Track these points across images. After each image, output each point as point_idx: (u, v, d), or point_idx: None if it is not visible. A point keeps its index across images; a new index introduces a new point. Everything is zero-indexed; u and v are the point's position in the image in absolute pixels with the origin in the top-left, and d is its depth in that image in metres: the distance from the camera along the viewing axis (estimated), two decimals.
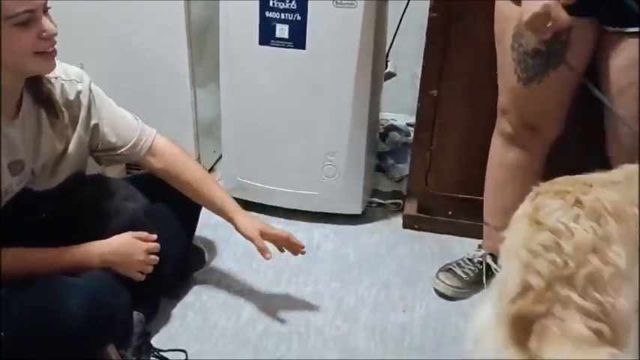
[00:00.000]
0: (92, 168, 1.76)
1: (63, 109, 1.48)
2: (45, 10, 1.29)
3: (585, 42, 1.47)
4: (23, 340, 1.31)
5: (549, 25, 1.34)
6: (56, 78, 1.46)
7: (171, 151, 1.69)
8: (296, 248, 1.74)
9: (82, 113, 1.54)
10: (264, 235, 1.68)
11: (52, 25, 1.29)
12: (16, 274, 1.37)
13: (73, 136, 1.54)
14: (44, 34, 1.28)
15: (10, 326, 1.29)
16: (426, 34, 1.91)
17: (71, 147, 1.54)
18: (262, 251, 1.67)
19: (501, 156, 1.74)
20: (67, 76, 1.51)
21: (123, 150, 1.63)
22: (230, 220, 1.70)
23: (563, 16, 1.33)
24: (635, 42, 1.40)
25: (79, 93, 1.53)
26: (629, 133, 1.47)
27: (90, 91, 1.56)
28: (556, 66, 1.45)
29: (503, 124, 1.70)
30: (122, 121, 1.63)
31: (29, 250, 1.42)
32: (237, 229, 1.69)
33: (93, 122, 1.57)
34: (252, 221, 1.72)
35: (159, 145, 1.67)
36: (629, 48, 1.42)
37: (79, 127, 1.54)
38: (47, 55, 1.32)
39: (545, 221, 0.98)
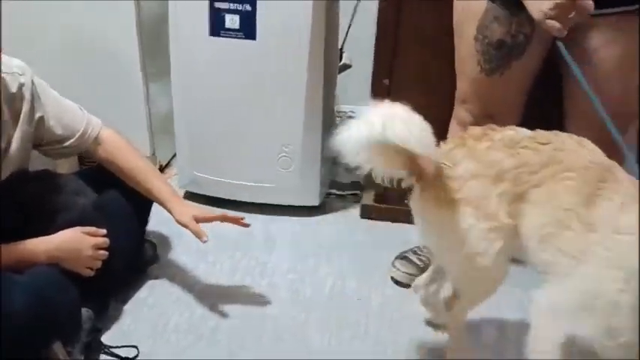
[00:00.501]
0: (45, 163, 1.74)
1: (4, 105, 1.44)
2: None
3: (547, 34, 1.48)
4: None
5: (571, 15, 1.31)
6: None
7: (116, 141, 1.68)
8: (235, 221, 1.72)
9: (25, 107, 1.51)
10: (198, 219, 1.65)
11: None
12: None
13: (16, 131, 1.50)
14: None
15: None
16: (377, 24, 1.91)
17: (14, 142, 1.50)
18: (198, 234, 1.64)
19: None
20: (8, 69, 1.47)
21: (70, 142, 1.61)
22: (167, 209, 1.68)
23: (589, 4, 1.29)
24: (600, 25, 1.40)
25: (21, 86, 1.50)
26: (589, 109, 1.49)
27: (33, 83, 1.53)
28: (518, 57, 1.48)
29: (461, 114, 1.70)
30: (68, 113, 1.61)
31: None
32: (173, 217, 1.67)
33: (37, 115, 1.54)
34: (187, 208, 1.70)
35: (104, 135, 1.66)
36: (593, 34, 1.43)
37: (22, 122, 1.51)
38: None
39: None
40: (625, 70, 1.44)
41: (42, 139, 1.58)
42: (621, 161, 1.23)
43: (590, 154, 1.25)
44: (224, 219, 1.72)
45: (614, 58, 1.43)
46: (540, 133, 1.31)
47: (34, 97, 1.53)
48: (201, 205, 2.21)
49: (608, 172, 1.20)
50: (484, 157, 1.28)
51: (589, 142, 1.28)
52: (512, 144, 1.28)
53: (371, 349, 1.62)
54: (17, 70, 1.49)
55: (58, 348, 1.41)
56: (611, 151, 1.23)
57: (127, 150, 1.69)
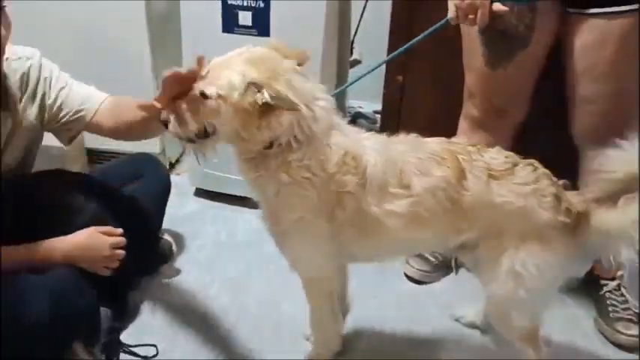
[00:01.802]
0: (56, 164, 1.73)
1: (12, 88, 1.45)
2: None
3: (549, 24, 1.49)
4: None
5: (472, 16, 1.39)
6: (6, 59, 1.43)
7: (117, 103, 1.56)
8: None
9: (32, 87, 1.51)
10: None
11: (7, 21, 1.28)
12: None
13: (26, 112, 1.51)
14: None
15: None
16: (390, 19, 1.91)
17: (23, 123, 1.50)
18: None
19: (468, 139, 1.75)
20: (17, 55, 1.49)
21: (72, 114, 1.55)
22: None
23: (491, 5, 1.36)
24: (597, 23, 1.41)
25: (29, 68, 1.50)
26: (591, 111, 1.50)
27: (40, 64, 1.53)
28: (522, 49, 1.47)
29: (469, 108, 1.71)
30: (74, 88, 1.57)
31: None
32: None
33: (45, 94, 1.53)
34: None
35: (109, 103, 1.56)
36: (591, 29, 1.43)
37: (32, 102, 1.52)
38: None
39: None
40: (616, 68, 1.44)
41: (50, 117, 1.56)
42: None
43: None
44: None
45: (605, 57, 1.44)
46: None
47: (41, 77, 1.52)
48: (213, 204, 2.22)
49: None
50: None
51: None
52: None
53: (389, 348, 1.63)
54: (25, 55, 1.49)
55: (79, 348, 1.42)
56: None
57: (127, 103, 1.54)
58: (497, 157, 1.28)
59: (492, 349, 1.61)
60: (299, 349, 1.60)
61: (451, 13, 1.43)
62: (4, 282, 1.32)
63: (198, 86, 1.20)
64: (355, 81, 1.60)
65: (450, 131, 1.79)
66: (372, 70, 1.57)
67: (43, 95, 1.53)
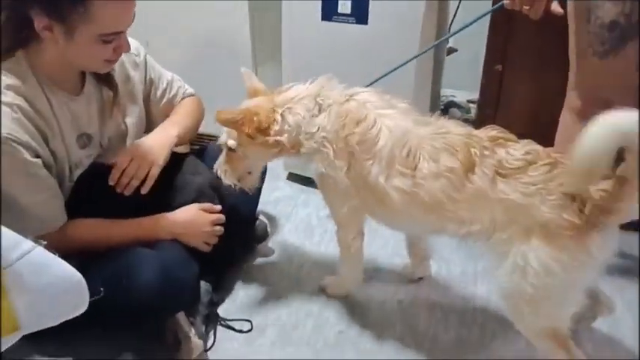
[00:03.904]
0: None
1: (121, 85, 1.55)
2: None
3: None
4: (99, 308, 1.37)
5: (527, 7, 1.39)
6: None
7: (185, 104, 1.73)
8: None
9: (140, 87, 1.62)
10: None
11: (128, 44, 1.38)
12: (89, 243, 1.46)
13: (133, 110, 1.61)
14: (119, 50, 1.37)
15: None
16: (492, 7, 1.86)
17: (130, 120, 1.61)
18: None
19: (570, 132, 1.69)
20: (137, 51, 1.59)
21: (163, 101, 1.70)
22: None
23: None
24: None
25: (136, 66, 1.61)
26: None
27: (146, 63, 1.64)
28: (633, 37, 1.40)
29: (573, 100, 1.65)
30: (168, 79, 1.72)
31: (102, 220, 1.50)
32: None
33: (148, 81, 1.66)
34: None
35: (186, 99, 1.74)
36: None
37: (138, 101, 1.62)
38: (112, 62, 1.40)
39: None
40: None
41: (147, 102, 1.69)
42: None
43: None
44: None
45: None
46: None
47: (147, 70, 1.65)
48: (304, 188, 2.27)
49: None
50: None
51: None
52: None
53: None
54: (134, 51, 1.59)
55: (182, 318, 1.50)
56: None
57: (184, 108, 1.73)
58: (516, 153, 1.28)
59: None
60: (388, 333, 1.62)
61: None
62: (117, 253, 1.42)
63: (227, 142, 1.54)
64: (381, 77, 1.70)
65: (550, 123, 1.75)
66: (398, 66, 1.68)
67: (150, 81, 1.66)
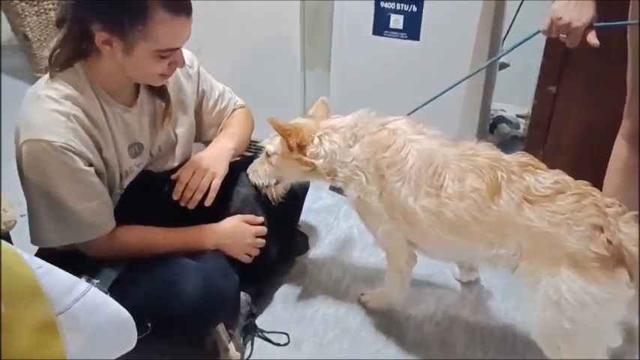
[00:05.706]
0: None
1: (173, 96, 1.56)
2: None
3: None
4: (142, 317, 1.40)
5: (564, 36, 1.38)
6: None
7: (236, 116, 1.75)
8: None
9: (192, 98, 1.64)
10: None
11: (183, 59, 1.41)
12: (137, 249, 1.48)
13: (184, 120, 1.63)
14: (174, 65, 1.39)
15: (132, 303, 1.38)
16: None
17: (180, 130, 1.63)
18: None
19: (624, 159, 1.65)
20: (190, 62, 1.60)
21: (213, 114, 1.72)
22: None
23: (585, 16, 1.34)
24: None
25: (189, 77, 1.62)
26: None
27: (199, 74, 1.66)
28: None
29: (629, 126, 1.61)
30: (219, 91, 1.74)
31: (150, 228, 1.53)
32: None
33: (200, 92, 1.68)
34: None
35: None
36: None
37: (188, 111, 1.64)
38: (167, 76, 1.42)
39: None
40: None
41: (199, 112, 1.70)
42: None
43: None
44: None
45: None
46: None
47: (200, 82, 1.67)
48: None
49: None
50: None
51: None
52: None
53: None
54: (187, 62, 1.59)
55: (222, 329, 1.52)
56: None
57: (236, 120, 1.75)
58: (545, 181, 1.27)
59: None
60: (424, 355, 1.61)
61: (545, 25, 1.41)
62: (161, 264, 1.44)
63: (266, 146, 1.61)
64: (428, 102, 1.70)
65: (604, 149, 1.70)
66: (447, 89, 1.68)
67: (202, 92, 1.68)
